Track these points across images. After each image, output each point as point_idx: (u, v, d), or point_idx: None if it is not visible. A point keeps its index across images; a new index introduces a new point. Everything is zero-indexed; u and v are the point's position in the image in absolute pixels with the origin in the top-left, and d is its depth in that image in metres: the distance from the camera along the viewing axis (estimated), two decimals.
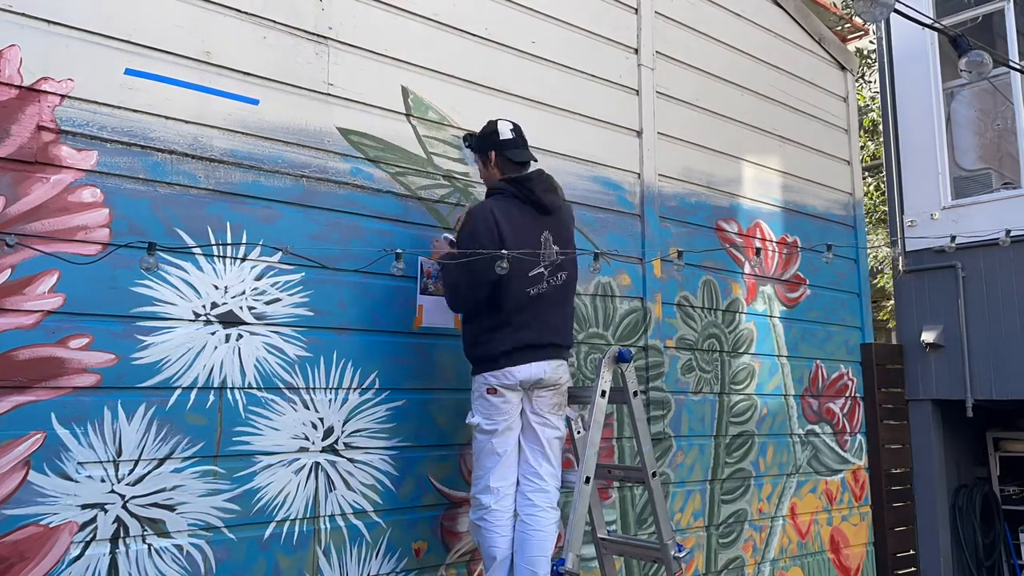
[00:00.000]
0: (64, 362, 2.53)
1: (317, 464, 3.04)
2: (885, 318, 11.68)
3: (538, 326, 3.09)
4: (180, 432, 2.73)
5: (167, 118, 2.82)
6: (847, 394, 5.51)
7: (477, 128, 3.40)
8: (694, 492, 4.40)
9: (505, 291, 3.02)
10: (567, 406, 3.24)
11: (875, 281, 11.76)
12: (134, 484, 2.63)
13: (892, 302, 8.49)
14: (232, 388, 2.86)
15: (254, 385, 2.91)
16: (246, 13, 3.04)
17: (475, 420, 3.07)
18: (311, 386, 3.04)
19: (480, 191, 3.65)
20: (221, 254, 2.88)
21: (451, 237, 3.35)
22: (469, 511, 3.13)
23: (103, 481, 2.57)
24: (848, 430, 5.46)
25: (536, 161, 3.27)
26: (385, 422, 3.22)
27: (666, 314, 4.36)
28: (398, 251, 3.16)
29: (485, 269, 2.86)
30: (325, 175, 3.17)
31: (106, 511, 2.57)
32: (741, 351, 4.77)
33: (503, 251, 2.78)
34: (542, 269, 3.10)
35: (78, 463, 2.53)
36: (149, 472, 2.66)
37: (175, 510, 2.70)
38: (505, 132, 3.20)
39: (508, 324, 3.05)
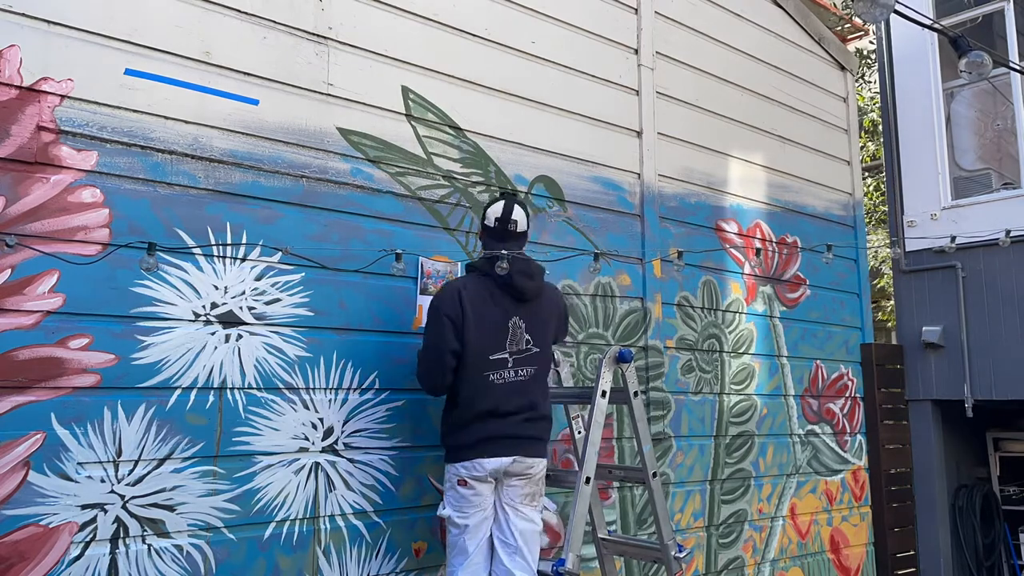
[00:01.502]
0: (64, 362, 2.53)
1: (317, 464, 3.04)
2: (885, 318, 11.68)
3: (501, 418, 2.94)
4: (180, 432, 2.73)
5: (167, 118, 2.82)
6: (847, 394, 5.51)
7: (477, 128, 3.41)
8: (694, 492, 4.40)
9: (464, 375, 2.93)
10: (542, 497, 3.09)
11: (875, 282, 11.76)
12: (134, 484, 2.63)
13: (892, 302, 8.49)
14: (232, 388, 2.86)
15: (254, 385, 2.91)
16: (246, 13, 3.04)
17: (446, 512, 2.95)
18: (311, 386, 3.04)
19: (479, 192, 3.65)
20: (221, 254, 2.88)
21: None
22: None
23: (103, 481, 2.57)
24: (848, 430, 5.46)
25: (523, 242, 3.12)
26: (385, 422, 3.22)
27: (666, 314, 4.36)
28: (398, 251, 3.17)
29: (442, 346, 2.88)
30: (325, 175, 3.17)
31: (106, 511, 2.57)
32: (741, 351, 4.77)
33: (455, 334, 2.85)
34: (505, 355, 2.97)
35: (78, 463, 2.53)
36: (149, 472, 2.66)
37: (175, 510, 2.70)
38: (491, 219, 3.07)
39: (471, 413, 2.93)
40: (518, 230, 3.08)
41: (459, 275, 3.47)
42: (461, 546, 2.93)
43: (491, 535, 2.98)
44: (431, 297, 3.10)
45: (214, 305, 2.85)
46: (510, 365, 2.98)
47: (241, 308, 2.91)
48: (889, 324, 11.44)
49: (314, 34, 3.21)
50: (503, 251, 2.96)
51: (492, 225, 3.07)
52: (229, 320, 2.87)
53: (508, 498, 2.99)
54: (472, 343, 2.92)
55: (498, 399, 2.95)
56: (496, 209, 3.08)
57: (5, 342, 2.43)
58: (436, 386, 2.99)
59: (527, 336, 3.02)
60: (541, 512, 3.08)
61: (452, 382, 2.96)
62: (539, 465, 3.02)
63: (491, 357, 2.95)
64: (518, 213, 3.08)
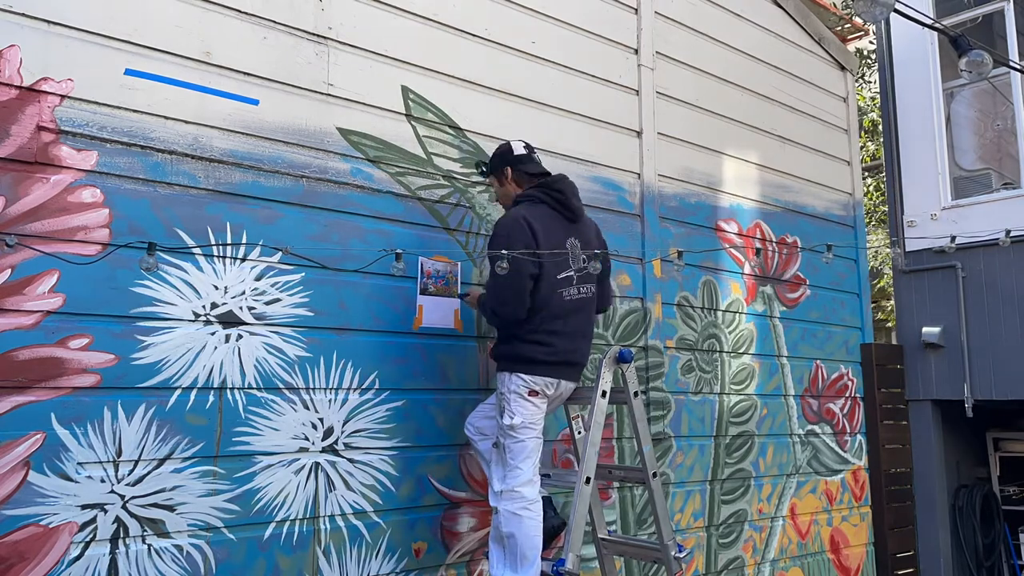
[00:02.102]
0: (64, 362, 2.53)
1: (317, 464, 3.04)
2: (885, 318, 11.68)
3: (573, 342, 3.15)
4: (180, 432, 2.73)
5: (167, 118, 2.82)
6: (847, 394, 5.51)
7: (477, 128, 3.41)
8: (694, 492, 4.40)
9: (540, 293, 3.06)
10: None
11: (875, 282, 11.76)
12: (134, 484, 2.63)
13: (892, 302, 8.49)
14: (232, 388, 2.86)
15: (254, 385, 2.91)
16: (246, 13, 3.04)
17: (516, 420, 3.03)
18: (311, 386, 3.04)
19: (479, 192, 3.65)
20: (221, 254, 2.88)
21: (480, 288, 3.37)
22: (501, 501, 3.02)
23: (103, 481, 2.57)
24: (848, 430, 5.46)
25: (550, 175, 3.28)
26: (385, 422, 3.22)
27: (666, 314, 4.36)
28: (398, 251, 3.16)
29: (526, 268, 2.98)
30: (325, 175, 3.17)
31: (106, 511, 2.57)
32: (741, 351, 4.77)
33: (539, 251, 2.97)
34: (572, 273, 3.13)
35: (78, 463, 2.53)
36: (149, 472, 2.66)
37: (175, 510, 2.70)
38: (518, 148, 3.29)
39: (546, 330, 3.08)
40: (539, 159, 3.32)
41: (458, 275, 3.47)
42: (532, 446, 3.06)
43: None
44: (499, 226, 3.15)
45: (214, 305, 2.85)
46: (575, 282, 3.15)
47: (241, 308, 2.91)
48: (889, 324, 11.44)
49: (314, 34, 3.21)
50: (526, 145, 3.28)
51: (522, 152, 3.28)
52: (229, 320, 2.87)
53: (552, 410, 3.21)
54: (547, 266, 3.06)
55: (569, 319, 3.13)
56: (516, 145, 3.30)
57: (5, 342, 2.43)
58: (516, 313, 3.05)
59: (583, 256, 3.17)
60: None
61: (528, 300, 3.05)
62: (574, 387, 3.28)
63: (559, 276, 3.10)
64: (534, 148, 3.34)
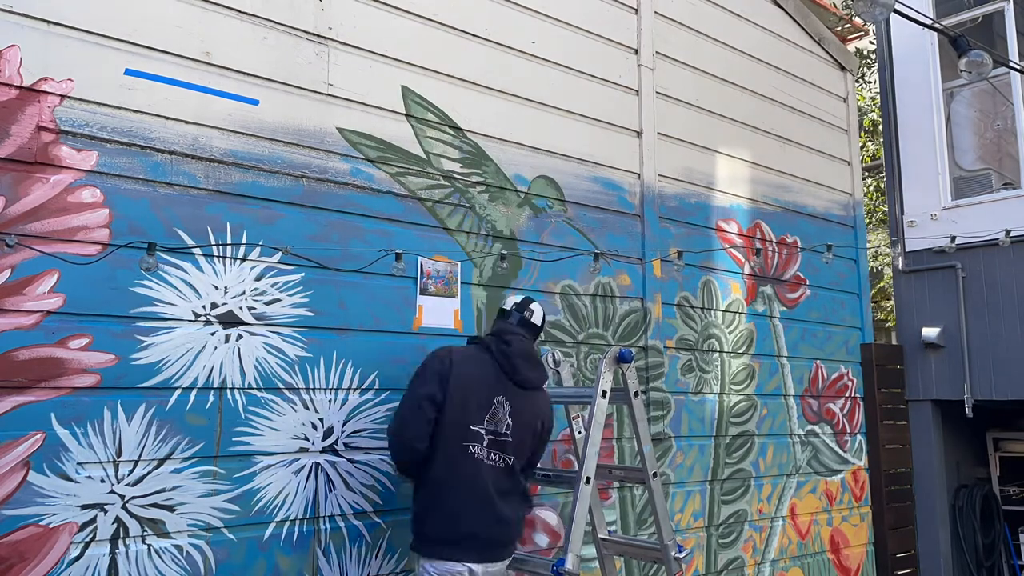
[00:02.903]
0: (64, 362, 2.52)
1: (317, 464, 3.04)
2: (885, 318, 11.68)
3: (481, 517, 2.78)
4: (180, 432, 2.73)
5: (167, 118, 2.82)
6: (847, 394, 5.51)
7: (477, 128, 3.40)
8: (694, 492, 4.40)
9: (440, 442, 2.79)
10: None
11: (875, 282, 11.76)
12: (134, 484, 2.63)
13: (892, 302, 8.48)
14: (232, 388, 2.85)
15: (254, 385, 2.91)
16: (246, 13, 3.04)
17: None
18: (311, 386, 3.04)
19: (479, 192, 3.65)
20: (221, 254, 2.88)
21: None
22: None
23: (103, 481, 2.57)
24: (848, 430, 5.46)
25: (535, 335, 3.13)
26: (385, 422, 3.21)
27: (666, 314, 4.36)
28: (398, 251, 3.17)
29: (421, 391, 2.80)
30: (325, 175, 3.17)
31: (106, 511, 2.57)
32: (741, 351, 4.77)
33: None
34: (482, 430, 2.83)
35: (78, 463, 2.53)
36: (149, 472, 2.66)
37: (175, 510, 2.70)
38: (508, 304, 3.14)
39: (448, 497, 2.78)
40: (532, 320, 3.08)
41: (458, 275, 3.47)
42: None
43: None
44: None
45: (214, 305, 2.85)
46: (485, 444, 2.84)
47: (241, 308, 2.91)
48: (889, 324, 11.44)
49: (314, 34, 3.21)
50: (522, 300, 3.09)
51: (508, 308, 3.11)
52: (229, 320, 2.87)
53: None
54: (454, 401, 2.80)
55: (476, 487, 2.79)
56: (516, 298, 3.15)
57: (5, 342, 2.43)
58: (409, 438, 2.79)
59: (508, 420, 2.87)
60: None
61: (426, 451, 2.79)
62: (504, 565, 2.89)
63: (470, 427, 2.82)
64: (536, 307, 3.12)
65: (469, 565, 2.75)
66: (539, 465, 3.13)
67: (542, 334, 3.25)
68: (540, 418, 3.01)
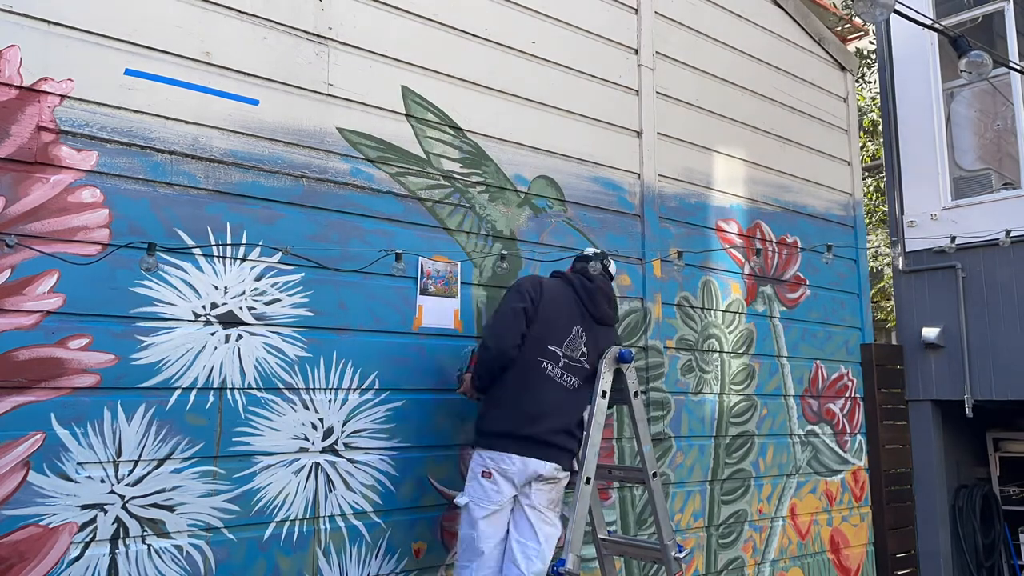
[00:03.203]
0: (64, 362, 2.52)
1: (317, 465, 3.04)
2: (884, 318, 11.68)
3: (545, 420, 2.99)
4: (180, 432, 2.73)
5: (167, 118, 2.82)
6: (847, 394, 5.51)
7: (477, 128, 3.39)
8: (694, 492, 4.40)
9: (523, 349, 3.02)
10: (563, 504, 3.15)
11: (876, 283, 11.75)
12: (134, 484, 2.63)
13: (892, 302, 8.48)
14: (232, 388, 2.85)
15: (254, 385, 2.91)
16: (246, 13, 3.04)
17: (462, 500, 2.98)
18: (311, 386, 3.04)
19: (479, 192, 3.65)
20: (221, 254, 2.88)
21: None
22: None
23: (103, 482, 2.57)
24: (848, 430, 5.46)
25: (610, 280, 3.36)
26: (385, 423, 3.22)
27: (666, 314, 4.36)
28: (398, 251, 3.18)
29: (518, 306, 3.02)
30: (325, 175, 3.17)
31: (106, 511, 2.57)
32: (741, 351, 4.77)
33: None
34: (560, 352, 3.07)
35: (78, 463, 2.53)
36: (149, 472, 2.66)
37: (175, 511, 2.70)
38: (589, 251, 3.43)
39: (515, 400, 2.99)
40: (610, 269, 3.37)
41: (458, 275, 3.47)
42: (475, 547, 2.94)
43: (506, 535, 2.99)
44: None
45: (214, 305, 2.85)
46: (560, 365, 3.08)
47: (241, 308, 2.91)
48: (889, 324, 11.44)
49: (314, 34, 3.21)
50: (601, 252, 3.38)
51: (590, 254, 3.36)
52: (229, 320, 2.87)
53: (534, 501, 3.00)
54: (539, 320, 3.04)
55: (545, 397, 3.02)
56: (595, 248, 3.47)
57: (5, 342, 2.43)
58: (506, 346, 3.00)
59: (583, 349, 3.12)
60: (560, 518, 3.12)
61: (514, 355, 3.01)
62: (566, 473, 3.08)
63: (549, 346, 3.06)
64: (614, 263, 3.44)
65: (512, 456, 2.95)
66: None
67: None
68: (608, 351, 3.23)
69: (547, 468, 2.97)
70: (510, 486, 2.97)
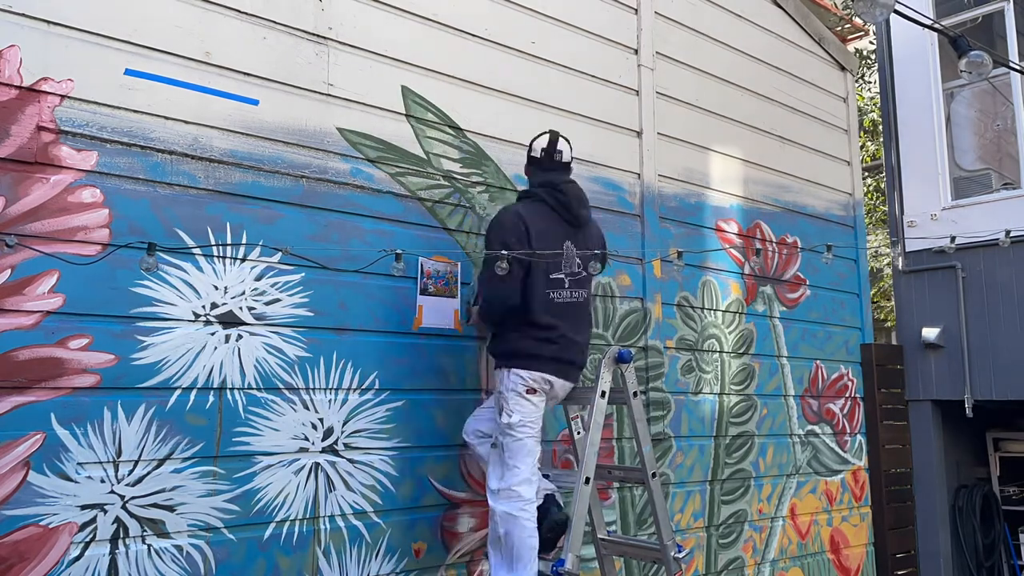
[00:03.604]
0: (64, 362, 2.52)
1: (317, 465, 3.04)
2: (884, 318, 11.68)
3: (566, 340, 3.14)
4: (180, 432, 2.72)
5: (167, 118, 2.82)
6: (847, 394, 5.51)
7: (477, 128, 3.40)
8: (694, 493, 4.40)
9: (532, 290, 3.09)
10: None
11: (876, 283, 11.75)
12: (134, 485, 2.63)
13: (892, 302, 8.48)
14: (232, 389, 2.85)
15: (254, 386, 2.91)
16: (246, 13, 3.04)
17: (514, 418, 3.04)
18: (311, 386, 3.04)
19: (479, 192, 3.65)
20: (221, 254, 2.88)
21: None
22: (497, 500, 3.03)
23: (103, 482, 2.57)
24: (848, 430, 5.46)
25: (569, 172, 3.32)
26: (385, 423, 3.22)
27: (666, 314, 4.36)
28: (398, 251, 3.16)
29: (515, 264, 3.01)
30: (325, 175, 3.17)
31: (106, 512, 2.57)
32: (741, 351, 4.77)
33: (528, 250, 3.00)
34: (562, 275, 3.14)
35: (78, 463, 2.53)
36: (149, 473, 2.66)
37: (175, 511, 2.70)
38: (536, 150, 3.30)
39: (540, 325, 3.10)
40: (563, 160, 3.29)
41: (458, 275, 3.47)
42: (530, 447, 3.05)
43: None
44: (494, 220, 3.23)
45: (214, 305, 2.85)
46: (567, 286, 3.15)
47: (241, 308, 2.91)
48: (889, 324, 11.44)
49: (314, 34, 3.21)
50: (544, 135, 3.29)
51: (538, 156, 3.30)
52: (229, 320, 2.87)
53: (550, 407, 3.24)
54: (536, 260, 3.07)
55: (561, 319, 3.13)
56: (542, 141, 3.30)
57: (5, 342, 2.43)
58: (508, 300, 3.08)
59: (578, 260, 3.17)
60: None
61: (520, 303, 3.09)
62: (569, 388, 3.27)
63: (551, 276, 3.12)
64: (563, 144, 3.29)
65: (550, 377, 3.11)
66: (539, 466, 3.13)
67: None
68: (599, 240, 3.37)
69: (568, 385, 3.21)
70: (545, 399, 3.14)
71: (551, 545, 3.11)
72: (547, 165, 3.28)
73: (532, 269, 3.08)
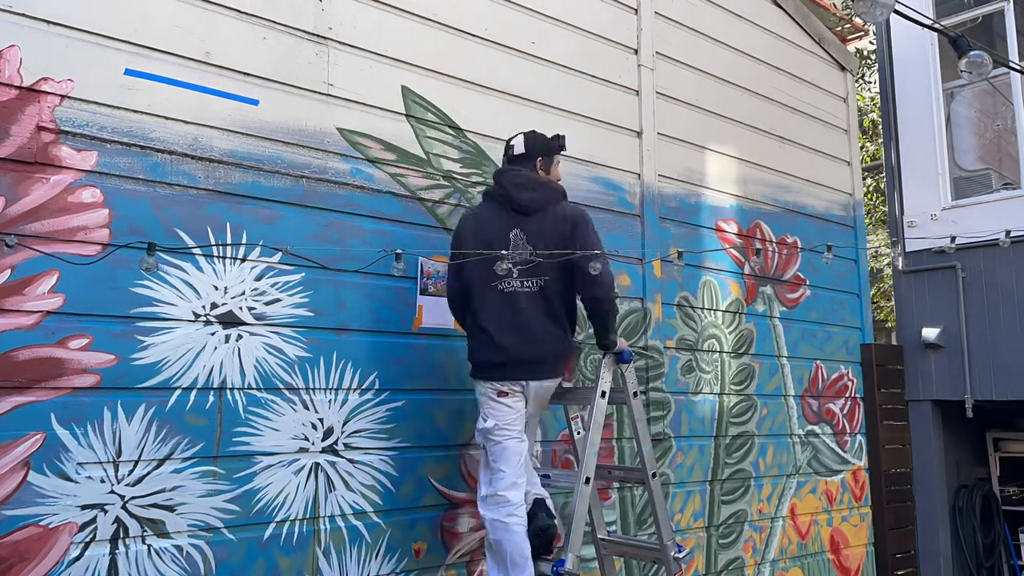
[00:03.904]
0: (64, 362, 2.52)
1: (317, 465, 3.04)
2: (884, 318, 11.68)
3: (513, 337, 3.01)
4: (180, 432, 2.72)
5: (167, 118, 2.82)
6: (847, 395, 5.50)
7: (477, 128, 3.40)
8: (694, 493, 4.40)
9: (474, 288, 3.07)
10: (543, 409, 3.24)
11: (876, 283, 11.75)
12: (134, 485, 2.63)
13: (892, 303, 8.48)
14: (232, 389, 2.85)
15: (254, 386, 2.90)
16: (246, 13, 3.04)
17: (489, 423, 3.02)
18: (311, 387, 3.04)
19: (479, 192, 3.65)
20: (221, 254, 2.88)
21: None
22: (486, 508, 3.01)
23: (103, 482, 2.57)
24: (848, 431, 5.46)
25: (526, 163, 3.20)
26: (385, 423, 3.22)
27: (666, 314, 4.36)
28: (398, 251, 3.16)
29: (451, 268, 3.12)
30: (325, 175, 3.17)
31: (106, 512, 2.57)
32: (741, 351, 4.77)
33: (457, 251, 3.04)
34: (508, 266, 2.99)
35: (78, 463, 2.53)
36: (149, 473, 2.66)
37: (175, 511, 2.70)
38: (509, 150, 3.27)
39: (482, 327, 3.05)
40: (515, 153, 3.22)
41: None
42: (512, 448, 3.01)
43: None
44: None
45: (214, 305, 2.85)
46: (516, 276, 3.05)
47: (241, 308, 2.91)
48: (889, 324, 11.44)
49: (314, 34, 3.21)
50: (505, 169, 3.23)
51: (503, 157, 3.31)
52: (229, 320, 2.87)
53: (536, 407, 3.15)
54: (474, 259, 3.02)
55: (507, 313, 3.03)
56: (513, 142, 3.26)
57: (5, 342, 2.43)
58: (453, 310, 3.24)
59: (529, 247, 3.05)
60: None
61: (463, 305, 3.14)
62: (552, 387, 3.13)
63: (493, 268, 3.01)
64: (516, 139, 3.24)
65: (521, 381, 3.04)
66: (539, 466, 3.12)
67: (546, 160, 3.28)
68: (564, 225, 3.09)
69: (536, 385, 3.06)
70: (521, 398, 3.06)
71: (535, 552, 3.03)
72: (503, 163, 3.28)
73: (465, 267, 3.05)
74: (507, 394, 3.03)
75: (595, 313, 3.11)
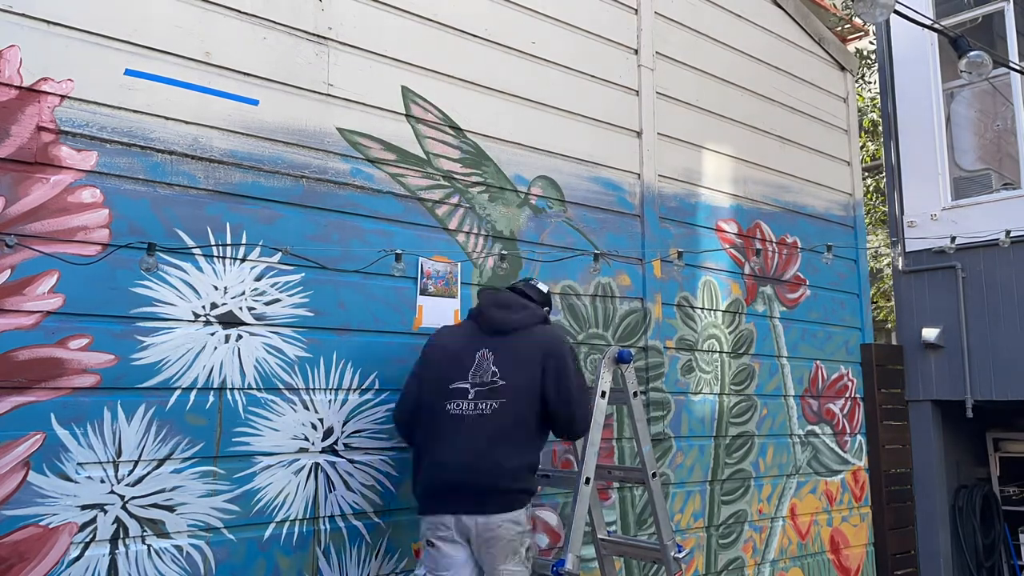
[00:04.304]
0: (64, 362, 2.52)
1: (317, 465, 3.04)
2: (884, 318, 11.68)
3: (455, 461, 2.74)
4: (180, 433, 2.72)
5: (167, 118, 2.82)
6: (847, 395, 5.50)
7: (477, 128, 3.39)
8: (694, 493, 4.40)
9: (423, 407, 2.89)
10: (525, 549, 2.78)
11: (877, 284, 11.75)
12: (134, 485, 2.63)
13: (892, 303, 8.48)
14: (232, 389, 2.85)
15: (254, 386, 2.90)
16: (246, 13, 3.04)
17: (421, 572, 2.85)
18: (311, 387, 3.04)
19: (479, 192, 3.65)
20: (221, 255, 2.88)
21: None
22: None
23: (103, 482, 2.57)
24: (848, 431, 5.46)
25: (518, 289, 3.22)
26: (385, 423, 3.21)
27: (666, 315, 4.36)
28: (398, 251, 3.18)
29: (407, 384, 2.99)
30: (325, 176, 3.17)
31: (106, 512, 2.57)
32: (741, 352, 4.77)
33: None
34: (466, 385, 2.83)
35: (78, 464, 2.53)
36: (149, 473, 2.66)
37: (175, 511, 2.70)
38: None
39: (422, 450, 2.86)
40: (517, 285, 3.22)
41: (458, 275, 3.48)
42: None
43: None
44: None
45: (214, 305, 2.85)
46: (470, 397, 2.82)
47: (241, 308, 2.91)
48: (889, 324, 11.44)
49: (314, 34, 3.21)
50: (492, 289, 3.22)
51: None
52: (229, 320, 2.87)
53: (485, 562, 2.74)
54: (431, 369, 2.93)
55: (450, 436, 2.78)
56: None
57: (5, 342, 2.43)
58: (398, 420, 3.03)
59: (493, 368, 2.85)
60: (530, 562, 2.83)
61: (410, 420, 2.94)
62: (512, 529, 2.73)
63: (451, 386, 2.86)
64: (539, 280, 3.31)
65: (459, 516, 2.71)
66: (540, 466, 3.11)
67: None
68: (542, 352, 2.89)
69: (477, 521, 2.69)
70: (459, 548, 2.75)
71: None
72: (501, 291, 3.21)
73: (422, 385, 2.91)
74: (433, 544, 2.73)
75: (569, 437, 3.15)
